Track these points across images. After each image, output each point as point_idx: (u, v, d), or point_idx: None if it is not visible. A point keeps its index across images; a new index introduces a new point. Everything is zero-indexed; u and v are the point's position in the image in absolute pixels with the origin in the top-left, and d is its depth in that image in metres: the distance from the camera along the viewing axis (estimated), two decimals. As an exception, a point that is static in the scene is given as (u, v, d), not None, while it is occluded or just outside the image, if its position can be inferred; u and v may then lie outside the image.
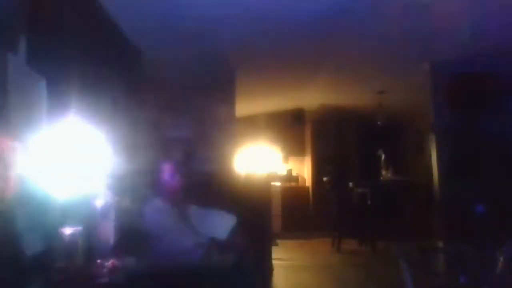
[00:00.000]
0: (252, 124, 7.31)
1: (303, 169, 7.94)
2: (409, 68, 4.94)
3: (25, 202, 1.53)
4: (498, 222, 3.64)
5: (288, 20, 3.44)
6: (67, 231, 1.67)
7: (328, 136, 7.57)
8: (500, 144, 4.44)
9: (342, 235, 5.63)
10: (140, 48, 3.56)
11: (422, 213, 5.68)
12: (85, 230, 1.73)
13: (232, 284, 2.16)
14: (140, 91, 3.55)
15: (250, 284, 2.37)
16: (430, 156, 5.00)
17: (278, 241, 5.81)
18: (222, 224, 2.53)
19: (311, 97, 6.64)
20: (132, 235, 2.09)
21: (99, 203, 1.97)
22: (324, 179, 6.57)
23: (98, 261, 1.80)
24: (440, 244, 4.53)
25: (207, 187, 3.18)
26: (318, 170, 7.41)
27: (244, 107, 5.80)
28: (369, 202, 6.11)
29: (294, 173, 7.79)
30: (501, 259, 2.28)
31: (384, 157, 6.91)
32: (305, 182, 7.82)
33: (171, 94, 4.40)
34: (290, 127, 7.72)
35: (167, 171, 2.61)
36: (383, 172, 6.86)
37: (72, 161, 1.76)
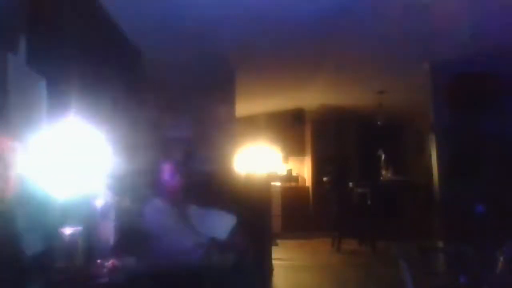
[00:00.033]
0: (252, 124, 7.31)
1: (303, 169, 7.93)
2: (409, 68, 4.94)
3: (25, 202, 1.53)
4: (498, 222, 3.64)
5: (288, 20, 3.44)
6: (67, 231, 1.67)
7: (328, 136, 7.56)
8: (500, 144, 4.44)
9: (342, 235, 5.62)
10: (140, 48, 3.56)
11: (422, 213, 5.68)
12: (85, 230, 1.73)
13: (232, 284, 2.15)
14: (140, 91, 3.55)
15: (250, 284, 2.37)
16: (430, 156, 5.00)
17: (278, 241, 5.81)
18: (222, 224, 2.53)
19: (311, 97, 6.64)
20: (132, 235, 2.09)
21: (99, 203, 1.97)
22: (324, 179, 6.57)
23: (98, 261, 1.80)
24: (440, 244, 4.53)
25: (207, 187, 3.18)
26: (318, 170, 7.41)
27: (244, 107, 5.80)
28: (369, 202, 6.11)
29: (294, 173, 7.79)
30: (501, 259, 2.28)
31: (384, 157, 6.90)
32: (305, 182, 7.82)
33: (171, 94, 4.40)
34: (290, 127, 7.72)
35: (167, 171, 2.61)
36: (383, 172, 6.86)
37: (72, 161, 1.76)
